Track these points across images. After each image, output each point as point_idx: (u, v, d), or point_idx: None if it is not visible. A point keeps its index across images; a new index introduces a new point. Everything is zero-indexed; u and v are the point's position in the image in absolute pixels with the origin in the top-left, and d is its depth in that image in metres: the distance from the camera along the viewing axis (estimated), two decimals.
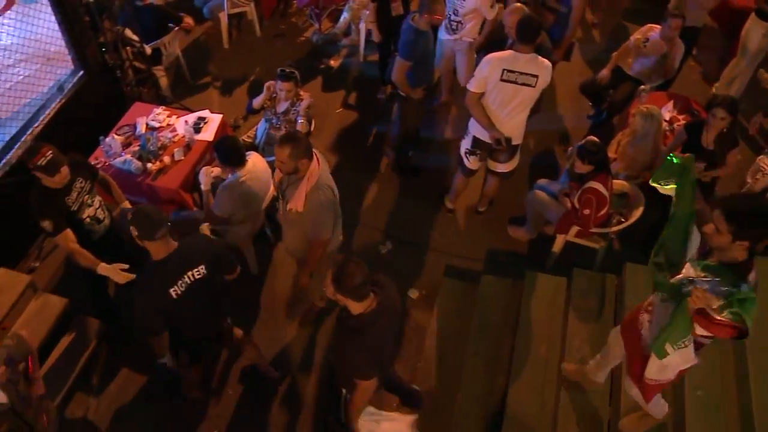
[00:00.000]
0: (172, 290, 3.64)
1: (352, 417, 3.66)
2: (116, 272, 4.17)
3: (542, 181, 5.64)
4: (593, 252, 5.36)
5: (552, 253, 5.46)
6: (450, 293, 5.29)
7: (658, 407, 4.01)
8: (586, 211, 4.90)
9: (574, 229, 5.19)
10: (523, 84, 4.80)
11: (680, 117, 5.93)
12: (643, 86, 6.07)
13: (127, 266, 4.18)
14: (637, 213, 5.11)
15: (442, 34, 6.34)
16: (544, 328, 4.82)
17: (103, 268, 4.22)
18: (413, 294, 5.49)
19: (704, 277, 3.12)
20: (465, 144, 5.43)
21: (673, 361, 3.39)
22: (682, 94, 6.34)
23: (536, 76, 4.78)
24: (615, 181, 5.19)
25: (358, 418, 3.66)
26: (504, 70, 4.75)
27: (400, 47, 5.40)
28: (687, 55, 6.71)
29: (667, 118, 5.87)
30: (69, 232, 4.24)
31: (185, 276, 3.68)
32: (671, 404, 4.30)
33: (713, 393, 4.28)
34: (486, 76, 4.82)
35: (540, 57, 4.79)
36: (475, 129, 5.23)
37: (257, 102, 5.61)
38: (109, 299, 4.99)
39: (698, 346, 3.41)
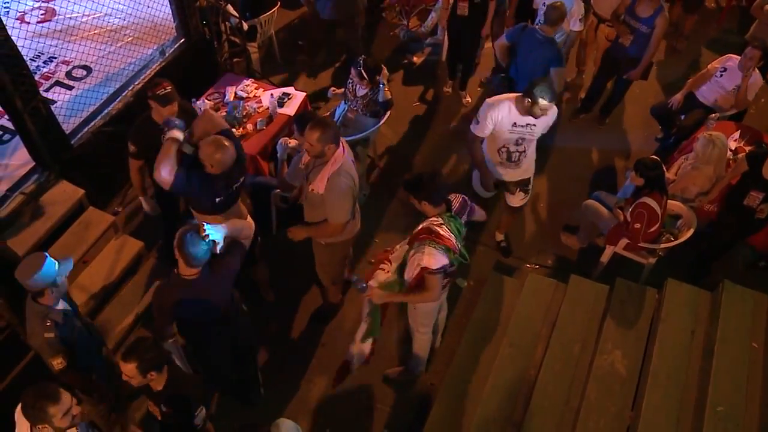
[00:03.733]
0: (218, 200, 4.21)
1: None
2: (152, 206, 5.09)
3: (599, 193, 5.81)
4: (640, 267, 5.52)
5: (600, 263, 5.63)
6: (496, 286, 5.50)
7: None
8: (637, 225, 5.05)
9: (624, 241, 5.34)
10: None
11: (746, 148, 5.92)
12: (713, 114, 6.16)
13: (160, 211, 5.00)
14: (687, 234, 5.24)
15: None
16: (581, 330, 5.01)
17: (145, 200, 5.07)
18: (462, 283, 5.75)
19: None
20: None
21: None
22: (757, 127, 6.37)
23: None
24: (671, 201, 5.33)
25: None
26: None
27: (558, 59, 5.73)
28: None
29: (733, 148, 5.91)
30: (140, 163, 4.79)
31: (231, 187, 4.27)
32: (690, 418, 4.47)
33: (735, 409, 4.39)
34: None
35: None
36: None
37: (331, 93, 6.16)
38: None
39: None
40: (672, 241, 5.28)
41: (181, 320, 4.01)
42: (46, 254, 3.67)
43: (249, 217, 4.68)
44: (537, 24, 6.05)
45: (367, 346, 4.51)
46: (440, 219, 3.93)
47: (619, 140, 7.17)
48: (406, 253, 4.15)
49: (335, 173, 4.17)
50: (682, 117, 6.59)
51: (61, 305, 3.77)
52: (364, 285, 4.16)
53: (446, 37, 7.31)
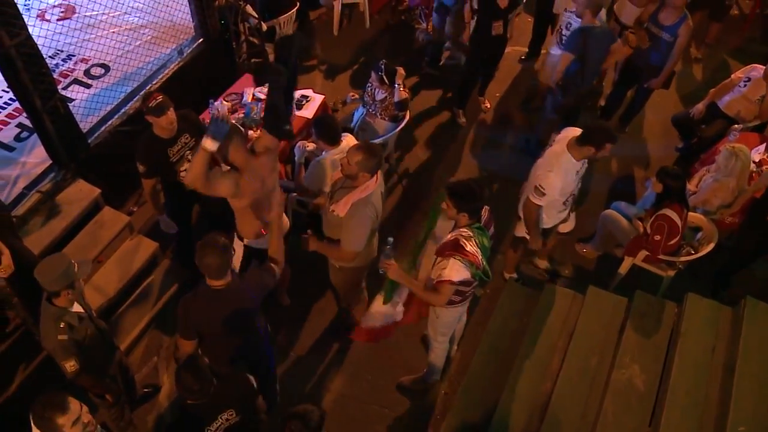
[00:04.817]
0: None
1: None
2: (168, 224, 4.99)
3: (618, 203, 5.74)
4: (659, 279, 5.44)
5: (618, 274, 5.55)
6: (512, 296, 5.45)
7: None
8: (657, 237, 4.98)
9: (643, 253, 5.27)
10: None
11: None
12: (736, 125, 6.07)
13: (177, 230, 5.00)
14: (708, 248, 5.16)
15: (554, 49, 6.55)
16: (598, 342, 4.95)
17: (161, 219, 4.99)
18: (478, 292, 5.68)
19: None
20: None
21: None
22: None
23: None
24: (691, 214, 5.25)
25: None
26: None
27: (614, 37, 5.90)
28: None
29: (757, 160, 5.79)
30: (153, 181, 4.74)
31: None
32: None
33: (757, 429, 4.30)
34: None
35: None
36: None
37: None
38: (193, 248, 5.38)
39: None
40: (692, 254, 5.21)
41: (202, 338, 3.93)
42: (66, 256, 3.65)
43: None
44: (567, 27, 6.11)
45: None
46: (469, 231, 3.87)
47: (638, 149, 7.09)
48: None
49: (361, 201, 4.07)
50: (703, 127, 6.51)
51: (76, 308, 3.75)
52: (389, 254, 3.97)
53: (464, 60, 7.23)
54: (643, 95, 6.77)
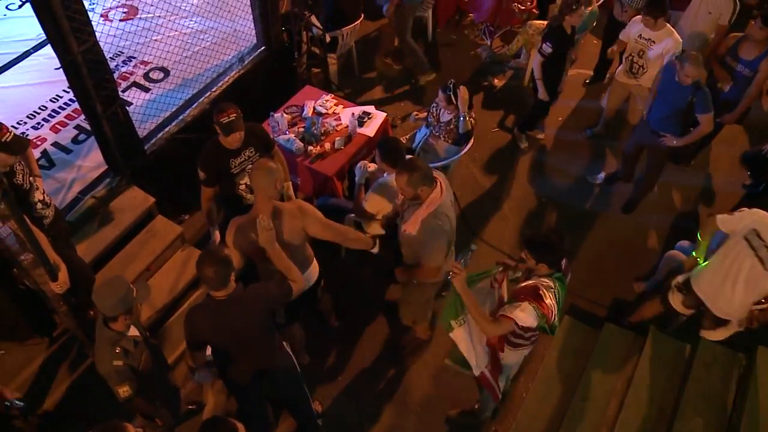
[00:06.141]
0: None
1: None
2: (219, 237, 4.74)
3: (683, 243, 5.50)
4: None
5: (679, 316, 5.32)
6: (570, 332, 5.25)
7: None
8: None
9: None
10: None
11: None
12: None
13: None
14: None
15: (618, 76, 6.34)
16: (659, 390, 4.74)
17: (215, 233, 4.79)
18: None
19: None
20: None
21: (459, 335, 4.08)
22: None
23: None
24: None
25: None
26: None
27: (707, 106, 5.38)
28: None
29: None
30: (211, 190, 4.61)
31: None
32: None
33: None
34: None
35: None
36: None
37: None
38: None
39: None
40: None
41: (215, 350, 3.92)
42: (126, 280, 3.56)
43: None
44: (640, 55, 6.04)
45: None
46: (550, 281, 3.72)
47: (703, 184, 6.80)
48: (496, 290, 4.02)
49: (431, 215, 3.99)
50: None
51: (132, 331, 3.65)
52: (465, 262, 3.91)
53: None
54: (714, 130, 6.50)
